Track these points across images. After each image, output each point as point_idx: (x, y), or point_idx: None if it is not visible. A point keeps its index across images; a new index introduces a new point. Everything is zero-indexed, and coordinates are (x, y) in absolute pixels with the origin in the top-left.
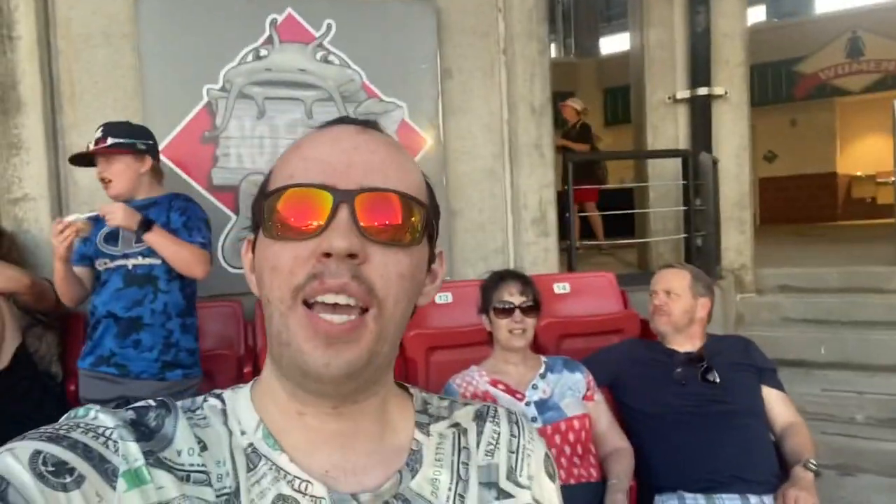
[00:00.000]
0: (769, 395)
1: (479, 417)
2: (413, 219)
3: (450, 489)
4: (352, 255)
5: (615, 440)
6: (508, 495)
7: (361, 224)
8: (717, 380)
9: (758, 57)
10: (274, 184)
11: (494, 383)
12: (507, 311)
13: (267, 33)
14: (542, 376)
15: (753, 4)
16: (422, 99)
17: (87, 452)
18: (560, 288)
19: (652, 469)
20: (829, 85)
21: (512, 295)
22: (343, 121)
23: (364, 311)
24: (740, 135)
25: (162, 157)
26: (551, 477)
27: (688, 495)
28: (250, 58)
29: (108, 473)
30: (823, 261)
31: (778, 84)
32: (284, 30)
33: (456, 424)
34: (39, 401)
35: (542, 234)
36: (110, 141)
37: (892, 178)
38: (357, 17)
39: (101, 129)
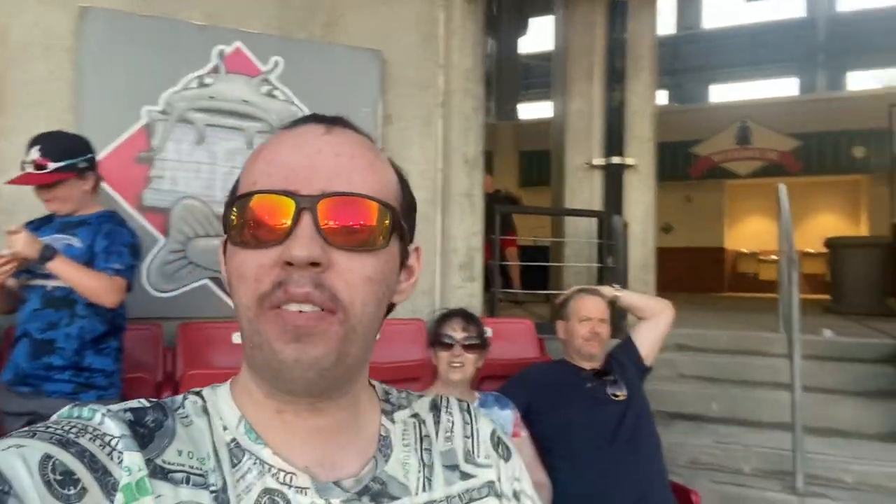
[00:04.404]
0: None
1: (435, 408)
2: (378, 222)
3: (419, 472)
4: (314, 264)
5: (535, 475)
6: (469, 476)
7: (324, 230)
8: (624, 395)
9: (660, 136)
10: (239, 191)
11: None
12: (448, 346)
13: (213, 63)
14: None
15: (658, 89)
16: None
17: (92, 463)
18: None
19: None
20: (720, 168)
21: (455, 331)
22: (310, 119)
23: (330, 312)
24: (646, 203)
25: None
26: (503, 456)
27: None
28: (194, 84)
29: (109, 487)
30: (715, 325)
31: (676, 163)
32: (231, 61)
33: (416, 414)
34: None
35: (469, 279)
36: (51, 166)
37: (774, 257)
38: (305, 57)
39: (36, 147)
